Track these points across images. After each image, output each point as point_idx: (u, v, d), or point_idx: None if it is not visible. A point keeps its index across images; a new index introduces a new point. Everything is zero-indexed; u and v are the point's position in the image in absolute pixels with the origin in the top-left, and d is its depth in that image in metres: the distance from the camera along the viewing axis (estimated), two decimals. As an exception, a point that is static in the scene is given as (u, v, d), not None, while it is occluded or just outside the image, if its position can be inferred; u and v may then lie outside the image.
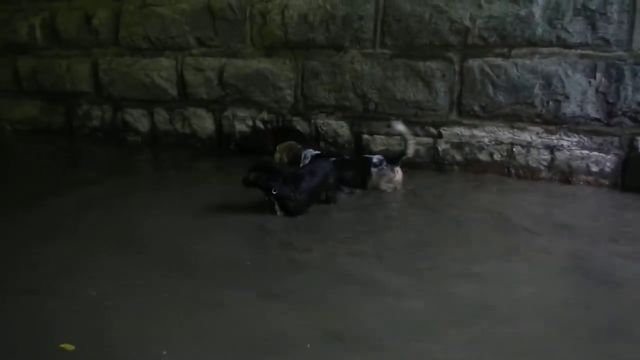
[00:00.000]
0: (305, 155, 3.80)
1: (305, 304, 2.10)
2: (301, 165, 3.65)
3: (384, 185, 3.40)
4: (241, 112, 5.40)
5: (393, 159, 3.50)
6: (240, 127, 5.41)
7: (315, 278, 2.36)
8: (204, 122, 5.62)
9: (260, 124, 5.29)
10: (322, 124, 5.01)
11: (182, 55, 5.60)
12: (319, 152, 3.92)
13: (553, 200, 3.65)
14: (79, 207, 3.40)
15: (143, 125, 5.99)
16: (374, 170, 3.41)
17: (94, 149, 5.88)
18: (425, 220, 3.16)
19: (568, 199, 3.70)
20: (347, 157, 4.19)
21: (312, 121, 5.05)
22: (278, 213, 3.10)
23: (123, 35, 5.85)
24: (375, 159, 3.51)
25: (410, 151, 3.51)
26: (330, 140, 4.95)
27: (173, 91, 5.72)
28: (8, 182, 4.36)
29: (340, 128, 4.95)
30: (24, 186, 4.16)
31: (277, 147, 4.22)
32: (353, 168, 3.62)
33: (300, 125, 5.10)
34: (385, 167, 3.43)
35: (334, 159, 3.60)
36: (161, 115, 5.86)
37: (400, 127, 3.62)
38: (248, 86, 5.27)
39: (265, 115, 5.27)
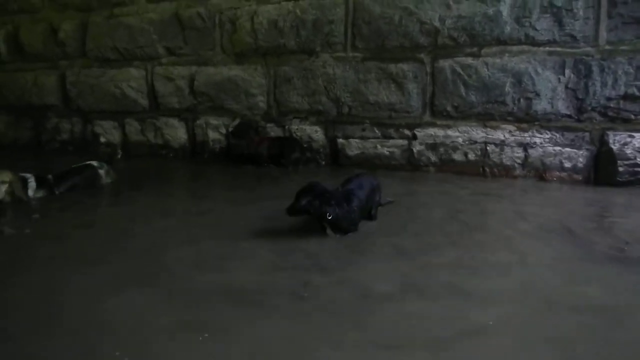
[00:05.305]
0: (26, 178, 3.59)
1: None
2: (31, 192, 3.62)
3: (107, 179, 4.07)
4: (214, 120, 5.32)
5: (107, 161, 4.26)
6: (213, 135, 5.33)
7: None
8: (176, 132, 5.52)
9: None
10: (297, 129, 4.96)
11: (151, 65, 5.50)
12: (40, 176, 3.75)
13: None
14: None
15: (114, 137, 5.86)
16: (101, 171, 4.00)
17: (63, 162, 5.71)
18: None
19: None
20: (73, 166, 4.03)
21: (286, 127, 5.00)
22: (330, 234, 2.77)
23: (90, 46, 5.74)
24: (96, 163, 4.05)
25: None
26: (305, 145, 4.90)
27: (144, 101, 5.61)
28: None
29: (315, 133, 4.90)
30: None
31: None
32: (81, 173, 3.93)
33: (274, 131, 5.04)
34: (107, 167, 4.10)
35: (58, 172, 3.87)
36: (132, 126, 5.74)
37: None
38: (220, 94, 5.21)
39: (238, 122, 5.20)
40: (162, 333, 1.75)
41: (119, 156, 4.75)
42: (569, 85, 4.00)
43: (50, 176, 3.74)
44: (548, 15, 3.96)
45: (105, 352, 1.62)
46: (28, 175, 3.62)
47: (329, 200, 2.70)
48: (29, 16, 6.00)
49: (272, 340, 1.71)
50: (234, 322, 1.82)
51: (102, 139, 5.29)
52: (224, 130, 5.28)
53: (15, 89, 6.20)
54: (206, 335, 1.72)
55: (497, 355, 1.61)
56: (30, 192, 3.59)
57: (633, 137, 3.87)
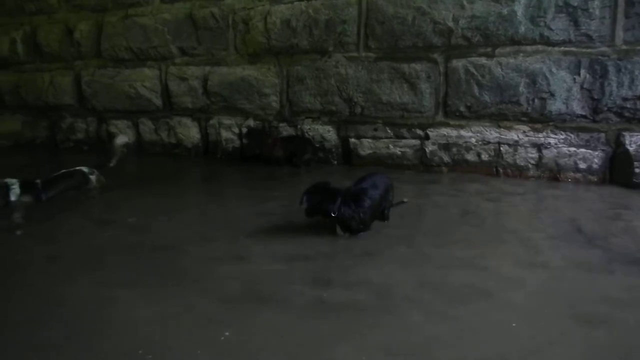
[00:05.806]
0: (9, 184, 3.31)
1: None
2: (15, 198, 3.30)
3: (97, 184, 3.95)
4: (227, 120, 5.35)
5: (99, 166, 4.09)
6: (226, 134, 5.36)
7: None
8: (190, 131, 5.57)
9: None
10: (309, 129, 4.97)
11: (165, 65, 5.55)
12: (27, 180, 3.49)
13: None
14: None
15: (128, 136, 5.90)
16: (92, 177, 3.87)
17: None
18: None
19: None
20: (56, 173, 3.79)
21: (299, 127, 5.01)
22: (340, 234, 2.78)
23: (105, 46, 5.80)
24: (86, 169, 3.92)
25: (113, 163, 4.14)
26: (318, 145, 4.91)
27: (157, 101, 5.66)
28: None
29: (327, 133, 4.91)
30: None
31: None
32: (72, 178, 3.83)
33: (287, 131, 5.06)
34: (97, 173, 3.97)
35: (47, 177, 3.64)
36: (146, 125, 5.80)
37: (120, 140, 4.26)
38: (233, 94, 5.23)
39: (251, 122, 5.22)
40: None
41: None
42: (585, 86, 3.95)
43: (38, 181, 3.50)
44: (563, 15, 3.92)
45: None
46: (12, 180, 3.36)
47: (334, 198, 2.71)
48: (46, 17, 6.09)
49: (292, 340, 1.73)
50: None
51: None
52: (237, 130, 5.30)
53: (32, 89, 6.29)
54: (227, 333, 1.75)
55: (521, 356, 1.61)
56: (13, 197, 3.29)
57: (650, 138, 3.82)
